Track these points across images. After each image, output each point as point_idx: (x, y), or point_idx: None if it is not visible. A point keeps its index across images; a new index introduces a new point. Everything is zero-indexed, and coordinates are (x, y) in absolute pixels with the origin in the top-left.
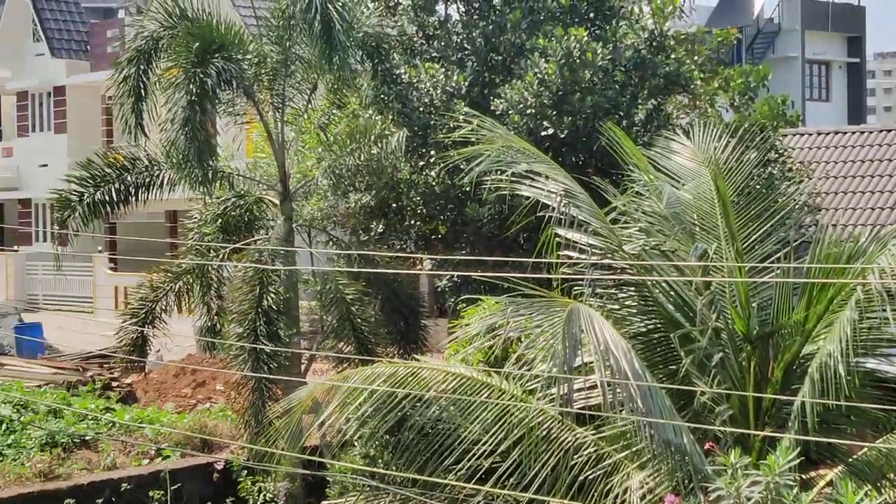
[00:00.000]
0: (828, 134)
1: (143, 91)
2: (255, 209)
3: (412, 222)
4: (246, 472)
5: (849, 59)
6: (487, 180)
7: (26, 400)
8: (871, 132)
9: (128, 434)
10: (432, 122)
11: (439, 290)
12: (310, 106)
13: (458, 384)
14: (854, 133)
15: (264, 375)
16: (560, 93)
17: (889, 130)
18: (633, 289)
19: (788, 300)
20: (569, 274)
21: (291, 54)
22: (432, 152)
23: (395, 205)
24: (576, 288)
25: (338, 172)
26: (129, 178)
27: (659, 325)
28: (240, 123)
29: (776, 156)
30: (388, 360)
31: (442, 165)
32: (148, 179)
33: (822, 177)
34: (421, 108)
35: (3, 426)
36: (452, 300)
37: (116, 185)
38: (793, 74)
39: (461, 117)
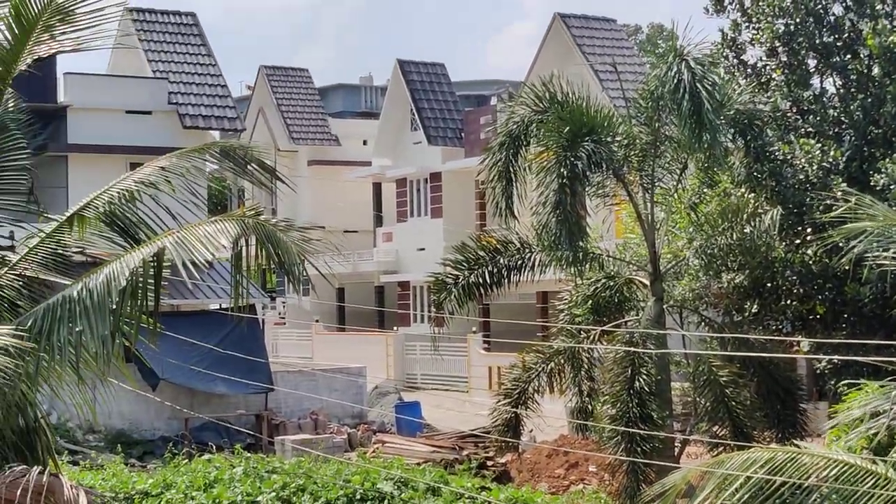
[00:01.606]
0: None
1: (513, 175)
2: (626, 290)
3: (788, 302)
4: None
5: None
6: (869, 258)
7: (406, 477)
8: None
9: None
10: (808, 200)
11: (819, 372)
12: (680, 185)
13: (840, 472)
14: None
15: (639, 460)
16: None
17: None
18: None
19: None
20: None
21: (660, 135)
22: (809, 230)
23: (769, 284)
24: None
25: (709, 252)
26: (501, 260)
27: None
28: (609, 204)
29: None
30: (765, 445)
31: (820, 244)
32: (519, 262)
33: None
34: (796, 185)
35: (385, 502)
36: (833, 383)
37: (489, 268)
38: None
39: (839, 194)
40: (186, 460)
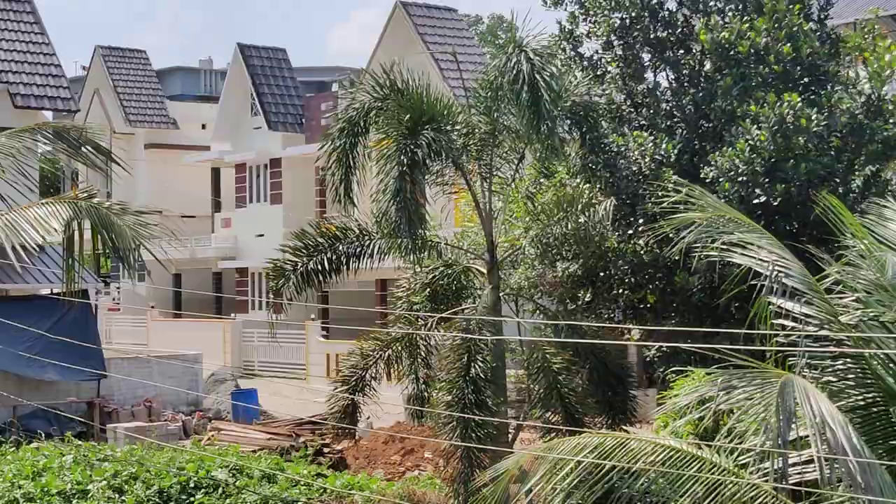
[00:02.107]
0: None
1: (352, 162)
2: (463, 278)
3: (620, 291)
4: None
5: None
6: (697, 248)
7: (242, 465)
8: None
9: (339, 500)
10: (641, 191)
11: (648, 359)
12: (517, 175)
13: (667, 456)
14: None
15: (473, 445)
16: (773, 160)
17: None
18: (850, 360)
19: None
20: (783, 345)
21: (499, 124)
22: (640, 221)
23: (602, 273)
24: (790, 359)
25: (545, 241)
26: (340, 247)
27: (878, 399)
28: (448, 193)
29: None
30: (595, 431)
31: (651, 234)
32: (359, 249)
33: None
34: (629, 177)
35: (220, 490)
36: (662, 370)
37: (329, 255)
38: None
39: (670, 186)
40: (14, 448)
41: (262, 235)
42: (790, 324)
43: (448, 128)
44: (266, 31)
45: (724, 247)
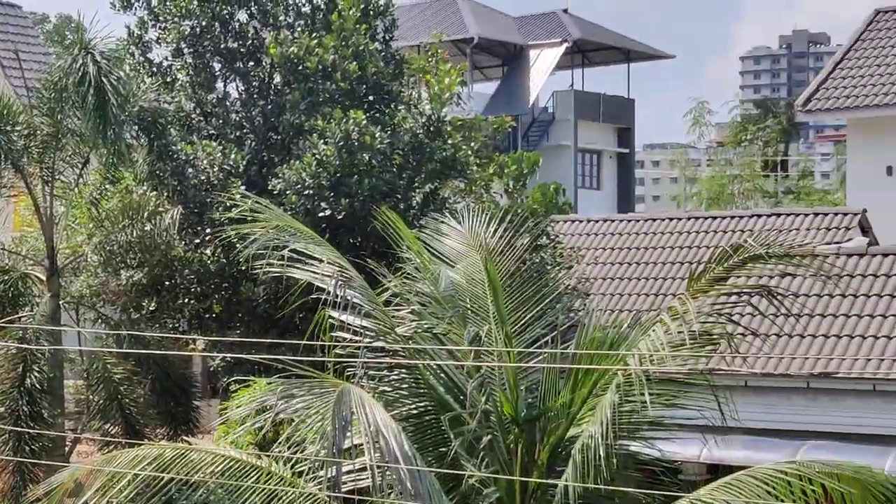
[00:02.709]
0: (597, 221)
1: None
2: (21, 285)
3: (186, 301)
4: None
5: (619, 150)
6: (262, 260)
7: None
8: (638, 220)
9: None
10: (208, 200)
11: (213, 370)
12: (81, 180)
13: (226, 466)
14: (622, 221)
15: (26, 459)
16: (338, 174)
17: (655, 219)
18: (405, 371)
19: (555, 383)
20: (342, 356)
21: (63, 127)
22: (208, 230)
23: (168, 283)
24: (349, 369)
25: (109, 248)
26: None
27: (430, 408)
28: (7, 196)
29: (547, 241)
30: (154, 443)
31: (217, 244)
32: None
33: (592, 262)
34: (197, 186)
35: None
36: (226, 380)
37: None
38: (566, 163)
39: (238, 196)
40: None
41: None
42: (349, 336)
43: (8, 128)
44: None
45: (288, 260)
